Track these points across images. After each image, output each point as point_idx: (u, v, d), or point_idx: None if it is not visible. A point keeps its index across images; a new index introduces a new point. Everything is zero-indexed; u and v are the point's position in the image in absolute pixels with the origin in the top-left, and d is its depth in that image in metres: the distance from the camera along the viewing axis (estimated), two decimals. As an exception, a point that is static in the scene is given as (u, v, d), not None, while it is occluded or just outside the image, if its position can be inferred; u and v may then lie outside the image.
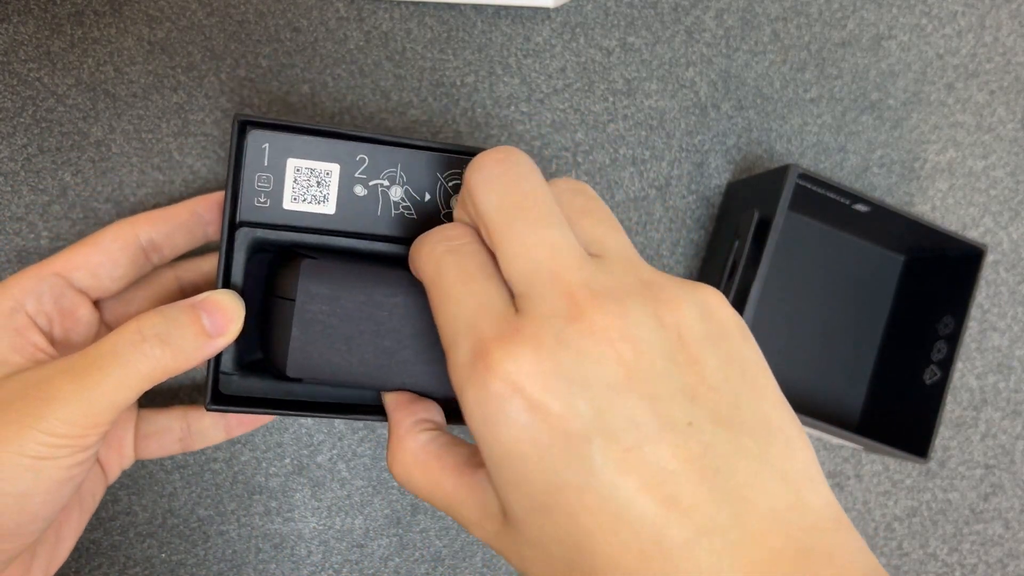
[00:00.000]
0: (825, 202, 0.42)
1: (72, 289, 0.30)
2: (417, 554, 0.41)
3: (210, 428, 0.35)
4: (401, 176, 0.31)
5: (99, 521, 0.38)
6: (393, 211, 0.31)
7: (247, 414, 0.35)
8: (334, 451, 0.40)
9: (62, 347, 0.30)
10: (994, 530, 0.47)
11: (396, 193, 0.31)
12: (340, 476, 0.40)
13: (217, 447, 0.39)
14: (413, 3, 0.41)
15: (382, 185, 0.30)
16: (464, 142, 0.42)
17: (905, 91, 0.47)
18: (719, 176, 0.45)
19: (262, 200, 0.29)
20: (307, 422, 0.39)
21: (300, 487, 0.39)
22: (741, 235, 0.40)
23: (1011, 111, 0.48)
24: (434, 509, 0.41)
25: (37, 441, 0.25)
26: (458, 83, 0.42)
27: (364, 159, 0.30)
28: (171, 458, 0.38)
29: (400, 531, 0.41)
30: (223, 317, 0.27)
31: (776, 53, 0.45)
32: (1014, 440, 0.47)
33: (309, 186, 0.30)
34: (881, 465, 0.46)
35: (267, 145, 0.29)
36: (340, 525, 0.40)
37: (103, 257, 0.31)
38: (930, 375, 0.42)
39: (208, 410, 0.29)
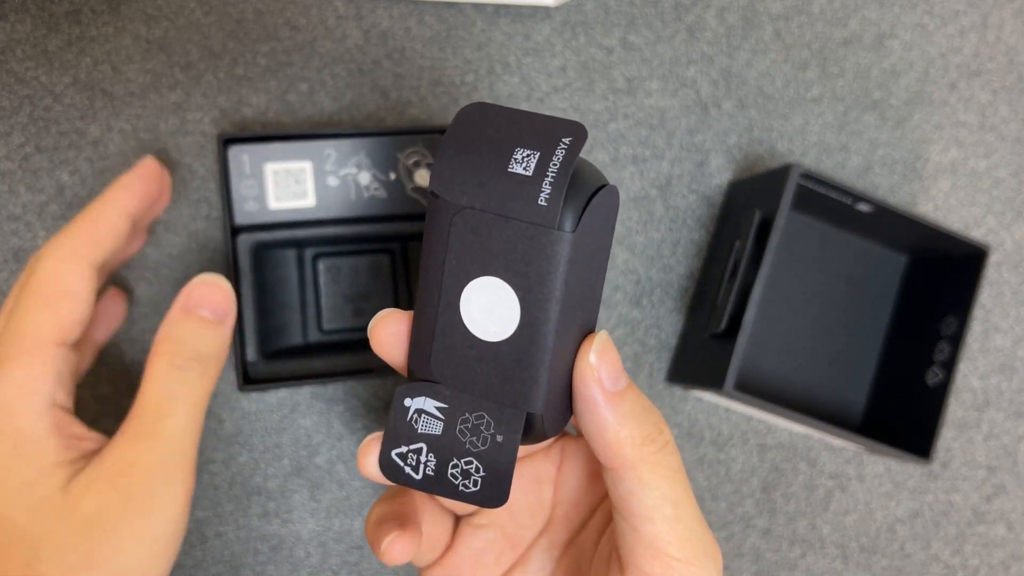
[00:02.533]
0: (827, 202, 0.41)
1: (74, 352, 0.29)
2: (416, 556, 0.41)
3: None
4: (366, 162, 0.36)
5: (96, 522, 0.38)
6: (365, 194, 0.35)
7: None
8: (332, 452, 0.40)
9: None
10: (997, 532, 0.47)
11: (364, 178, 0.35)
12: (339, 477, 0.40)
13: (215, 448, 0.38)
14: (412, 1, 0.41)
15: (351, 173, 0.35)
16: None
17: (907, 90, 0.47)
18: (720, 175, 0.44)
19: (251, 205, 0.34)
20: (305, 423, 0.39)
21: (298, 488, 0.39)
22: (743, 235, 0.40)
23: (1014, 110, 0.48)
24: (433, 510, 0.41)
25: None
26: (457, 82, 0.41)
27: (331, 153, 0.35)
28: (169, 459, 0.38)
29: (399, 533, 0.40)
30: (218, 299, 0.28)
31: (778, 52, 0.45)
32: (1017, 441, 0.47)
33: (288, 185, 0.34)
34: (883, 466, 0.45)
35: (246, 156, 0.34)
36: (339, 527, 0.40)
37: (85, 308, 0.28)
38: (933, 376, 0.42)
39: (241, 391, 0.34)
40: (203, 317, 0.27)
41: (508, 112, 0.22)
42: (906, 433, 0.41)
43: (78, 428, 0.27)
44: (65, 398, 0.27)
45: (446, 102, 0.41)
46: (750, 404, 0.38)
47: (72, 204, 0.37)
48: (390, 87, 0.41)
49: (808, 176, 0.39)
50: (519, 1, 0.41)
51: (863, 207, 0.41)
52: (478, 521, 0.28)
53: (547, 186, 0.20)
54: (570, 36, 0.43)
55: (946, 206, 0.47)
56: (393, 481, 0.23)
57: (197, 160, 0.38)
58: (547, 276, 0.21)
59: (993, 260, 0.48)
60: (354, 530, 0.40)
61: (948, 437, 0.46)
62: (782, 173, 0.39)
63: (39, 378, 0.26)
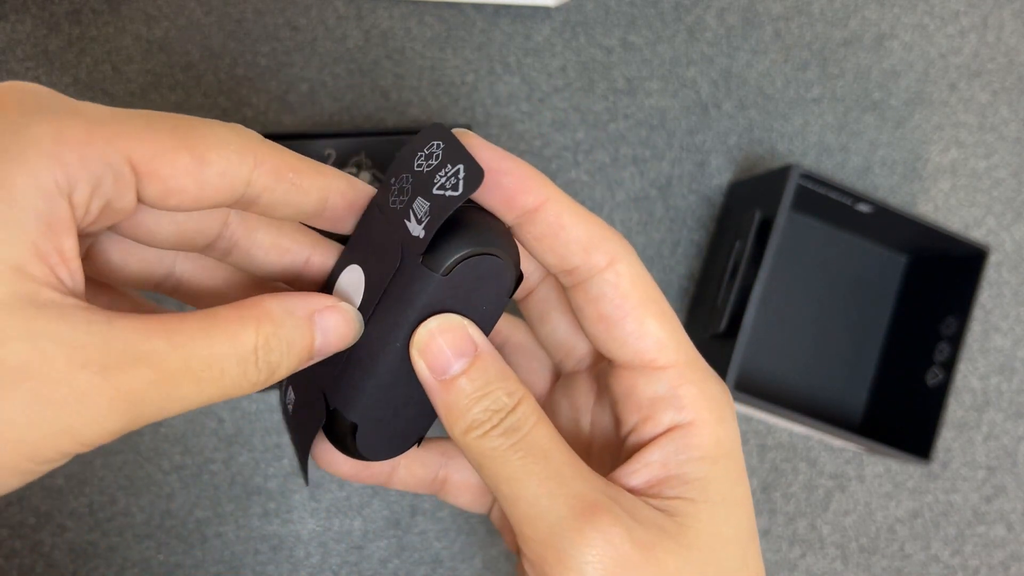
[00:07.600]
0: (827, 202, 0.41)
1: (132, 190, 0.18)
2: (416, 556, 0.40)
3: None
4: (366, 162, 0.35)
5: (96, 522, 0.38)
6: None
7: None
8: (333, 452, 0.40)
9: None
10: (997, 532, 0.47)
11: (365, 178, 0.35)
12: (339, 478, 0.40)
13: (215, 448, 0.38)
14: (413, 2, 0.41)
15: (351, 173, 0.35)
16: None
17: (907, 91, 0.47)
18: (720, 176, 0.44)
19: None
20: (306, 423, 0.39)
21: (298, 488, 0.39)
22: (743, 235, 0.40)
23: (1014, 111, 0.48)
24: (433, 511, 0.41)
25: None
26: (458, 82, 0.41)
27: (331, 153, 0.35)
28: (169, 459, 0.38)
29: (399, 533, 0.40)
30: (341, 337, 0.21)
31: (778, 52, 0.45)
32: (1016, 442, 0.47)
33: None
34: (883, 467, 0.45)
35: None
36: (339, 527, 0.40)
37: (195, 184, 0.19)
38: (932, 376, 0.42)
39: None
40: (313, 338, 0.20)
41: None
42: (906, 433, 0.41)
43: (70, 246, 0.17)
44: (82, 201, 0.17)
45: (446, 102, 0.41)
46: (750, 404, 0.38)
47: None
48: (390, 87, 0.41)
49: (808, 176, 0.39)
50: (519, 1, 0.41)
51: (863, 207, 0.41)
52: None
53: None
54: (570, 36, 0.43)
55: (946, 206, 0.47)
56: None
57: (197, 160, 0.38)
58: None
59: (993, 260, 0.48)
60: (354, 530, 0.40)
61: (948, 437, 0.46)
62: (782, 173, 0.39)
63: (74, 154, 0.17)
